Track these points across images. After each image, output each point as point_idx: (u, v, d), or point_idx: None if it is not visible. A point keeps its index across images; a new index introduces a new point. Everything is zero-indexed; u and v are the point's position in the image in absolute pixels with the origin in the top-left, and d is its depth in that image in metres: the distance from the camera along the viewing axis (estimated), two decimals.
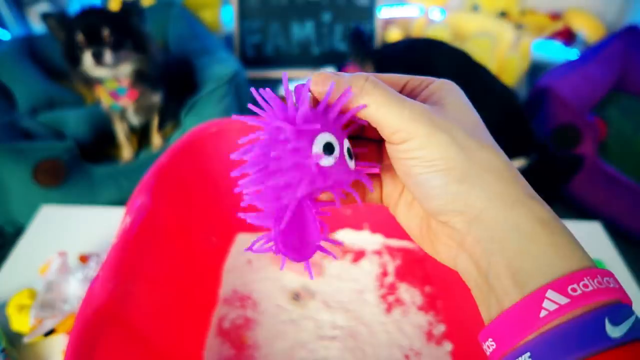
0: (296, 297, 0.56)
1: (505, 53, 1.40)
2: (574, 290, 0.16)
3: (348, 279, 0.59)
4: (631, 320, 0.16)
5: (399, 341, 0.52)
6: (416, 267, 0.60)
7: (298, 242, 0.21)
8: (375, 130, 0.21)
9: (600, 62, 1.29)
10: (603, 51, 1.30)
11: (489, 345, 0.18)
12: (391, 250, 0.62)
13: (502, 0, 1.63)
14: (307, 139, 0.19)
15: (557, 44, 1.57)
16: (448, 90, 0.22)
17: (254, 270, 0.59)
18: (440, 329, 0.53)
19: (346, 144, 0.21)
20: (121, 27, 0.87)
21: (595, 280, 0.17)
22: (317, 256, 0.59)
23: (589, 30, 1.59)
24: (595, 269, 0.17)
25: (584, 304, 0.16)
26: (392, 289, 0.58)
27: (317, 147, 0.19)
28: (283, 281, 0.58)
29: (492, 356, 0.19)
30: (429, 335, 0.52)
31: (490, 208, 0.19)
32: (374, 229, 0.63)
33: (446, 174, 0.19)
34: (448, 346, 0.51)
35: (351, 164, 0.21)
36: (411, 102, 0.20)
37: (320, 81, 0.21)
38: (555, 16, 1.67)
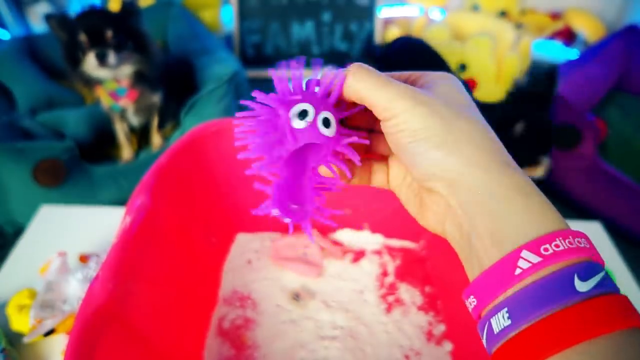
0: (296, 297, 0.56)
1: (505, 53, 1.40)
2: (545, 250, 0.18)
3: (348, 279, 0.59)
4: (599, 276, 0.18)
5: (399, 341, 0.52)
6: (416, 267, 0.60)
7: (291, 201, 0.25)
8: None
9: (601, 62, 1.29)
10: (603, 51, 1.30)
11: (471, 302, 0.21)
12: (391, 250, 0.62)
13: (502, 0, 1.63)
14: (286, 107, 0.24)
15: (557, 43, 1.57)
16: (442, 77, 0.25)
17: (254, 270, 0.59)
18: (440, 329, 0.53)
19: (330, 117, 0.24)
20: (123, 28, 0.87)
21: (566, 241, 0.18)
22: (317, 256, 0.59)
23: (589, 30, 1.59)
24: (567, 231, 0.19)
25: (555, 262, 0.18)
26: (392, 289, 0.58)
27: (293, 113, 0.24)
28: (283, 281, 0.58)
29: (473, 312, 0.21)
30: (429, 335, 0.52)
31: (467, 174, 0.21)
32: (374, 229, 0.63)
33: (426, 142, 0.22)
34: (448, 346, 0.51)
35: (325, 130, 0.24)
36: (397, 83, 0.23)
37: (326, 74, 0.25)
38: (555, 16, 1.67)
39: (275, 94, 0.25)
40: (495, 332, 0.19)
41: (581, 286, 0.17)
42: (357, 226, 0.63)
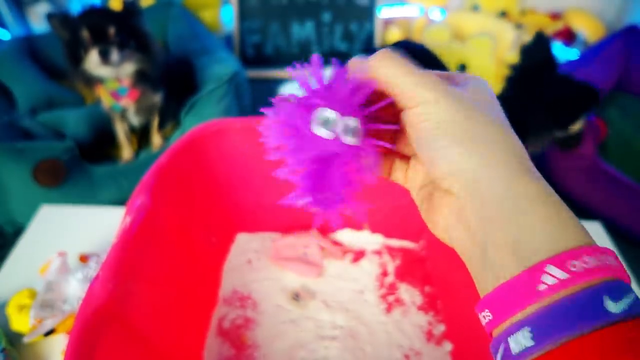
0: (296, 297, 0.56)
1: (505, 53, 1.40)
2: (573, 266, 0.17)
3: (348, 279, 0.59)
4: (630, 297, 0.17)
5: (399, 341, 0.52)
6: (416, 267, 0.60)
7: (319, 191, 0.24)
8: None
9: (600, 62, 1.29)
10: (603, 51, 1.30)
11: (485, 316, 0.19)
12: (391, 250, 0.62)
13: (502, 0, 1.64)
14: (307, 111, 0.23)
15: (557, 44, 1.57)
16: (474, 79, 0.24)
17: (254, 270, 0.59)
18: (440, 329, 0.53)
19: (356, 123, 0.23)
20: (125, 26, 0.88)
21: (594, 257, 0.17)
22: (317, 256, 0.59)
23: (589, 30, 1.59)
24: (594, 247, 0.18)
25: (583, 280, 0.17)
26: (392, 289, 0.58)
27: (315, 118, 0.23)
28: (283, 281, 0.58)
29: (487, 326, 0.19)
30: (429, 335, 0.52)
31: (485, 176, 0.20)
32: (374, 229, 0.63)
33: (448, 136, 0.21)
34: (448, 346, 0.51)
35: (349, 139, 0.23)
36: (425, 71, 0.22)
37: (353, 64, 0.24)
38: (555, 16, 1.67)
39: (297, 96, 0.24)
40: (514, 353, 0.17)
41: (612, 307, 0.16)
42: (357, 226, 0.63)
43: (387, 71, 0.23)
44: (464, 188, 0.21)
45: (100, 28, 0.85)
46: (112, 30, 0.85)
